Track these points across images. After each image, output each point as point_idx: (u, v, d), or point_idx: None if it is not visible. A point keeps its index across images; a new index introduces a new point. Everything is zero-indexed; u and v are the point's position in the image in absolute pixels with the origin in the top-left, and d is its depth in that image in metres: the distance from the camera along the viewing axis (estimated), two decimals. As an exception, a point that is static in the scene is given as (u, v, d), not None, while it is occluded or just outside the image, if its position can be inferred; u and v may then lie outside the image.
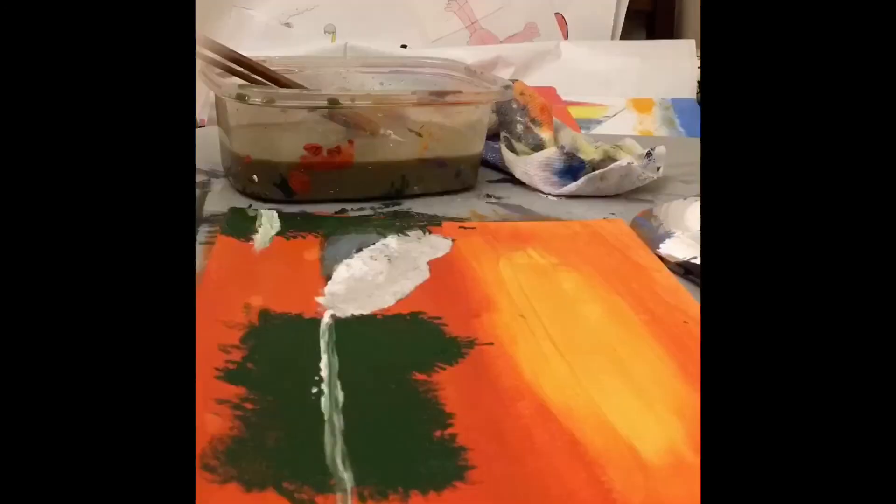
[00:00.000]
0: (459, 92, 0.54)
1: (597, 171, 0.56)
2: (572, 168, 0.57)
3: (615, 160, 0.57)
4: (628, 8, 1.26)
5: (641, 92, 1.14)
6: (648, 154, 0.58)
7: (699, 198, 0.51)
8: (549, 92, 1.14)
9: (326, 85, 0.58)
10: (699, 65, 1.17)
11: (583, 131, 0.97)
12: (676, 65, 1.17)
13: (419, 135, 0.53)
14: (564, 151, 0.58)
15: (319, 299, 0.39)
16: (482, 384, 0.33)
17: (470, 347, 0.35)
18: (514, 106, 0.64)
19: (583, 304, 0.40)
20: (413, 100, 0.52)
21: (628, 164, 0.56)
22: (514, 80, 0.66)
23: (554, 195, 0.56)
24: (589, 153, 0.60)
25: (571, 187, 0.56)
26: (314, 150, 0.50)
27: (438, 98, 0.53)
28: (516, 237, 0.48)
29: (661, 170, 0.58)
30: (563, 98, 1.13)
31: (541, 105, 0.66)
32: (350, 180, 0.52)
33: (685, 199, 0.51)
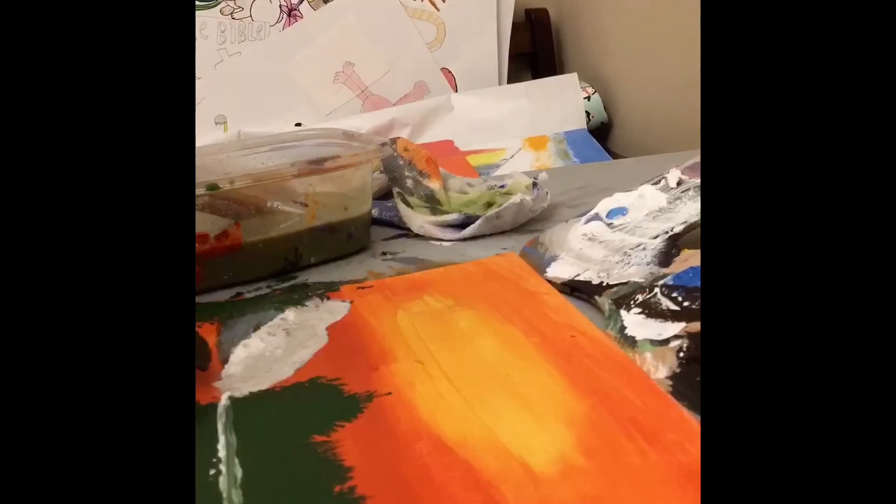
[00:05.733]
0: (337, 157, 0.55)
1: (492, 212, 0.57)
2: (467, 223, 0.59)
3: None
4: (510, 52, 1.31)
5: (535, 130, 1.18)
6: (534, 184, 0.60)
7: (579, 219, 0.52)
8: (447, 145, 1.17)
9: (208, 174, 0.59)
10: (584, 95, 1.22)
11: (482, 176, 0.99)
12: (563, 99, 1.21)
13: (305, 205, 0.54)
14: (462, 214, 0.59)
15: (216, 384, 0.39)
16: (381, 433, 0.33)
17: (368, 401, 0.36)
18: (401, 162, 0.66)
19: (478, 339, 0.41)
20: (293, 172, 0.53)
21: (521, 200, 0.57)
22: (396, 138, 0.68)
23: (455, 239, 0.58)
24: (480, 204, 0.62)
25: (470, 229, 0.57)
26: (201, 238, 0.51)
27: (318, 166, 0.54)
28: (413, 287, 0.49)
29: (549, 195, 0.60)
30: (462, 149, 1.16)
31: (426, 157, 0.68)
32: (242, 262, 0.52)
33: (567, 221, 0.53)
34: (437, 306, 0.46)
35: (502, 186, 0.65)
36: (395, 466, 0.30)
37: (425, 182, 0.66)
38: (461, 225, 0.59)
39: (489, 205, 0.62)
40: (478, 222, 0.58)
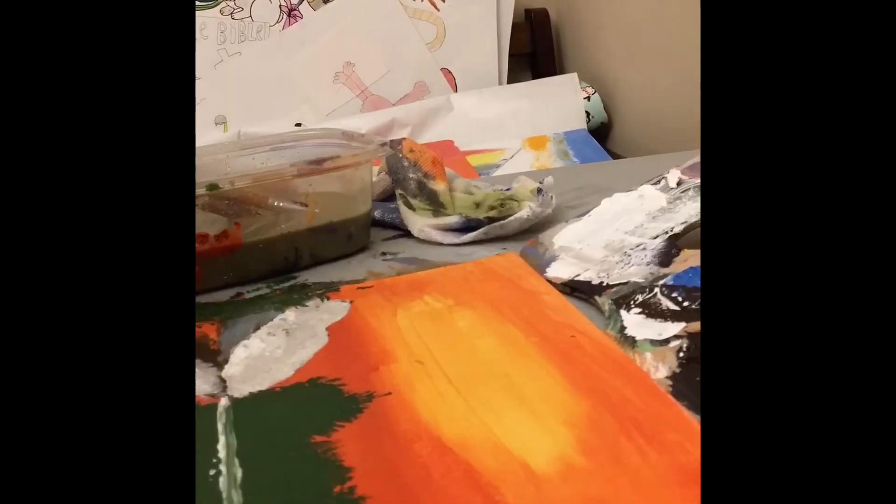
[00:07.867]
0: (337, 157, 0.55)
1: (497, 223, 0.57)
2: (470, 227, 0.58)
3: (512, 210, 0.58)
4: (510, 52, 1.31)
5: (535, 130, 1.18)
6: (539, 190, 0.60)
7: (579, 218, 0.52)
8: (447, 145, 1.17)
9: (208, 174, 0.59)
10: (584, 96, 1.22)
11: (482, 176, 0.99)
12: (563, 99, 1.21)
13: (305, 205, 0.54)
14: (463, 217, 0.59)
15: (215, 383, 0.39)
16: (381, 434, 0.33)
17: (368, 401, 0.36)
18: (405, 163, 0.65)
19: (477, 339, 0.41)
20: (293, 172, 0.53)
21: (527, 216, 0.56)
22: (401, 139, 0.68)
23: (455, 244, 0.57)
24: (484, 207, 0.61)
25: (471, 236, 0.57)
26: (201, 238, 0.51)
27: (317, 166, 0.54)
28: (413, 287, 0.49)
29: (553, 199, 0.59)
30: (462, 149, 1.16)
31: (431, 158, 0.67)
32: (242, 262, 0.52)
33: (567, 221, 0.53)
34: (436, 306, 0.46)
35: (508, 189, 0.64)
36: (395, 467, 0.30)
37: (430, 184, 0.65)
38: (461, 228, 0.58)
39: (494, 207, 0.60)
40: (480, 230, 0.57)
